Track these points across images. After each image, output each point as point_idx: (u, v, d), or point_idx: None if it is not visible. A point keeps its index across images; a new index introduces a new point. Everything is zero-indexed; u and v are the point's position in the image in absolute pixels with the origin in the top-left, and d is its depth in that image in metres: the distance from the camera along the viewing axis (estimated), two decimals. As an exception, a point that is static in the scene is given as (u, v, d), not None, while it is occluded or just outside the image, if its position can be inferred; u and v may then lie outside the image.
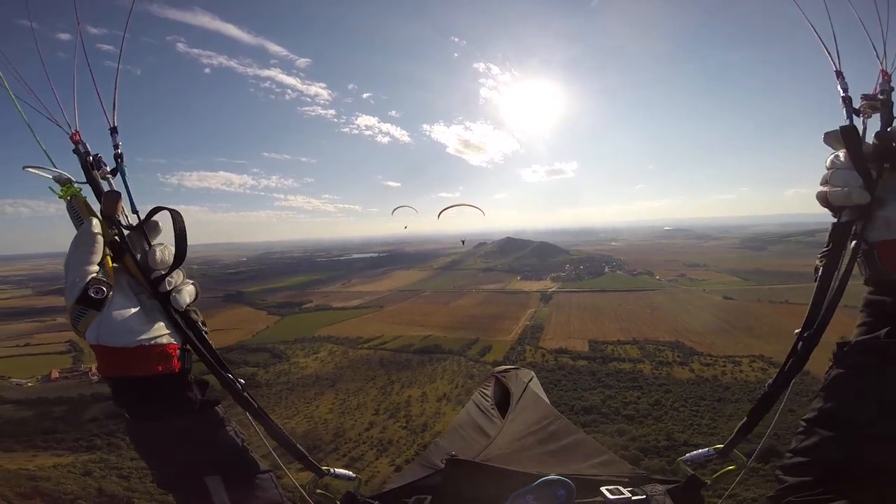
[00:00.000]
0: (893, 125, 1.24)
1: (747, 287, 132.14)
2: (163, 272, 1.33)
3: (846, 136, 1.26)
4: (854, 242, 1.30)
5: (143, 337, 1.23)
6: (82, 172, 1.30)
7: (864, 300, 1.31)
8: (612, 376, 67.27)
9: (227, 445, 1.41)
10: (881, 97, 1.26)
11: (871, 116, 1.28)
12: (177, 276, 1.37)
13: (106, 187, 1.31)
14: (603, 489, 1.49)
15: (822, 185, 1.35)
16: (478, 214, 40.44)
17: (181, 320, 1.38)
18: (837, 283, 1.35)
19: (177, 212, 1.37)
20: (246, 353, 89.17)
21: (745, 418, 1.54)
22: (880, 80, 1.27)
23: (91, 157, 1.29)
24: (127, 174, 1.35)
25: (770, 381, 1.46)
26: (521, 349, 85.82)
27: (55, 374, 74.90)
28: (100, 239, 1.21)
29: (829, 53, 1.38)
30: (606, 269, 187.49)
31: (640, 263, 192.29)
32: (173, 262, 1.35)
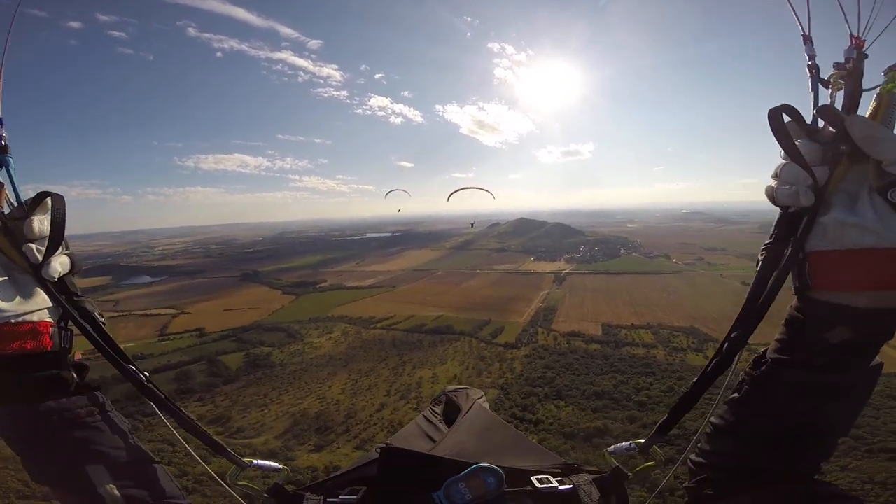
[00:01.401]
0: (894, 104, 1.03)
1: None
2: (32, 243, 1.24)
3: (771, 121, 1.10)
4: (790, 249, 1.17)
5: (9, 313, 1.13)
6: None
7: (787, 313, 1.20)
8: (624, 361, 66.87)
9: (109, 432, 1.30)
10: (848, 66, 1.09)
11: (841, 88, 1.11)
12: (50, 251, 1.28)
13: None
14: (533, 479, 1.57)
15: (772, 178, 1.20)
16: (491, 194, 39.93)
17: (61, 297, 1.30)
18: (771, 285, 1.21)
19: (59, 196, 1.30)
20: (262, 333, 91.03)
21: (665, 416, 1.54)
22: (849, 46, 1.10)
23: None
24: (12, 165, 1.30)
25: (694, 378, 1.42)
26: (533, 331, 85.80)
27: (78, 356, 77.24)
28: None
29: (796, 15, 1.20)
30: (622, 252, 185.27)
31: (656, 246, 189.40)
32: (49, 241, 1.27)
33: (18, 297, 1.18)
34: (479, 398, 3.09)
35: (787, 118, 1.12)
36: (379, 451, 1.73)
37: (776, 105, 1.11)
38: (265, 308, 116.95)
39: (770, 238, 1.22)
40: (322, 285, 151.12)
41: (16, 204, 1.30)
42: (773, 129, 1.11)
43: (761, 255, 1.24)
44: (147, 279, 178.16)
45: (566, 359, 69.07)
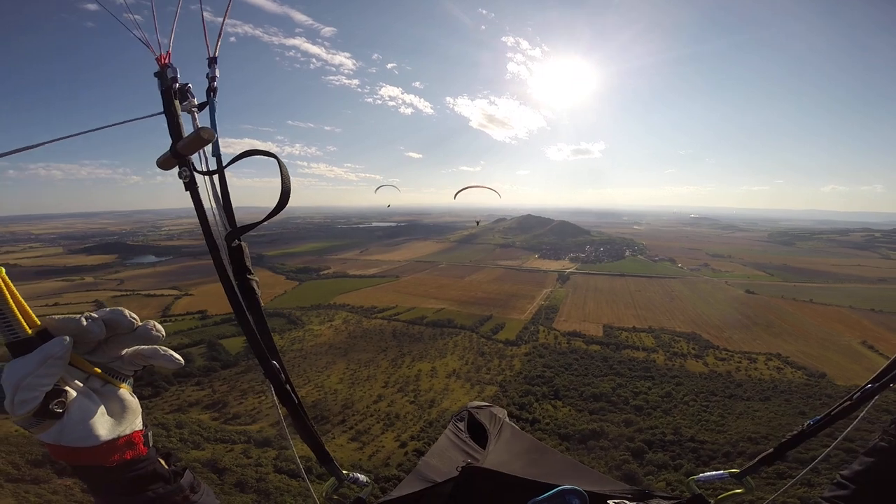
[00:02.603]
0: None
1: (772, 282, 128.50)
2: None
3: None
4: None
5: (109, 438, 1.13)
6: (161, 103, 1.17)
7: None
8: (624, 364, 66.58)
9: None
10: None
11: None
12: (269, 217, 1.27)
13: (187, 121, 1.18)
14: (609, 503, 1.58)
15: None
16: (498, 189, 39.61)
17: (240, 293, 1.29)
18: None
19: (282, 162, 1.22)
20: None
21: (770, 449, 1.60)
22: None
23: (176, 85, 1.15)
24: (217, 112, 1.23)
25: (811, 420, 1.48)
26: (534, 329, 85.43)
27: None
28: (67, 359, 1.07)
29: None
30: (627, 253, 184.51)
31: (662, 250, 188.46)
32: (267, 216, 1.27)
33: (113, 419, 1.17)
34: (503, 416, 3.15)
35: None
36: (460, 469, 1.76)
37: None
38: (268, 293, 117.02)
39: None
40: (325, 272, 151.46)
41: (211, 157, 1.22)
42: None
43: None
44: (152, 258, 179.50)
45: (566, 359, 68.81)
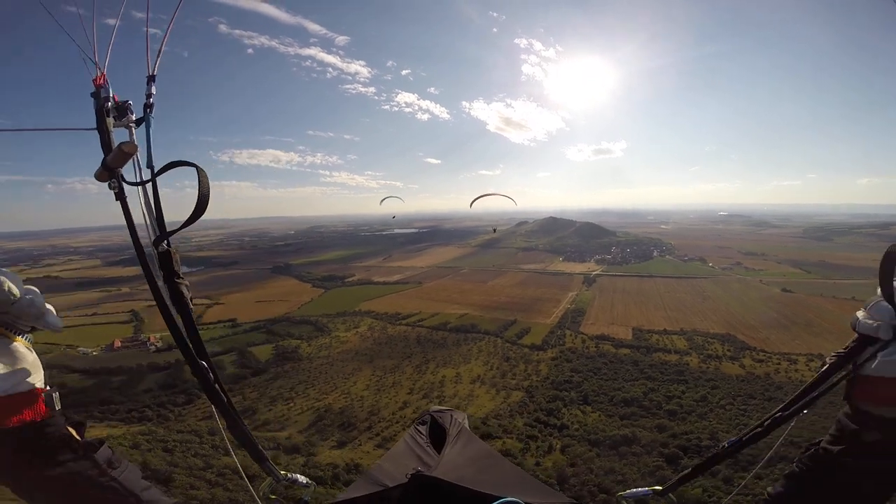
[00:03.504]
0: None
1: (809, 280, 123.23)
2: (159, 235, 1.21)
3: (884, 261, 1.17)
4: (852, 365, 1.39)
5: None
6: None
7: (840, 414, 1.45)
8: (655, 367, 64.78)
9: (121, 489, 1.25)
10: None
11: None
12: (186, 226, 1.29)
13: (122, 136, 1.22)
14: None
15: (863, 308, 1.38)
16: (518, 193, 39.49)
17: (169, 293, 1.27)
18: (826, 386, 1.47)
19: (202, 170, 1.25)
20: (290, 326, 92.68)
21: (688, 469, 1.73)
22: None
23: (109, 104, 1.21)
24: (152, 126, 1.28)
25: (725, 443, 1.61)
26: (560, 333, 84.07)
27: (118, 343, 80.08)
28: None
29: None
30: (655, 254, 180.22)
31: (691, 249, 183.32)
32: (190, 217, 1.26)
33: (3, 368, 1.10)
34: (464, 420, 3.23)
35: None
36: (409, 476, 1.82)
37: None
38: (295, 300, 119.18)
39: (844, 349, 1.45)
40: (350, 279, 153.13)
41: (146, 168, 1.25)
42: (881, 269, 1.18)
43: (830, 359, 1.50)
44: (184, 269, 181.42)
45: (594, 363, 67.44)
